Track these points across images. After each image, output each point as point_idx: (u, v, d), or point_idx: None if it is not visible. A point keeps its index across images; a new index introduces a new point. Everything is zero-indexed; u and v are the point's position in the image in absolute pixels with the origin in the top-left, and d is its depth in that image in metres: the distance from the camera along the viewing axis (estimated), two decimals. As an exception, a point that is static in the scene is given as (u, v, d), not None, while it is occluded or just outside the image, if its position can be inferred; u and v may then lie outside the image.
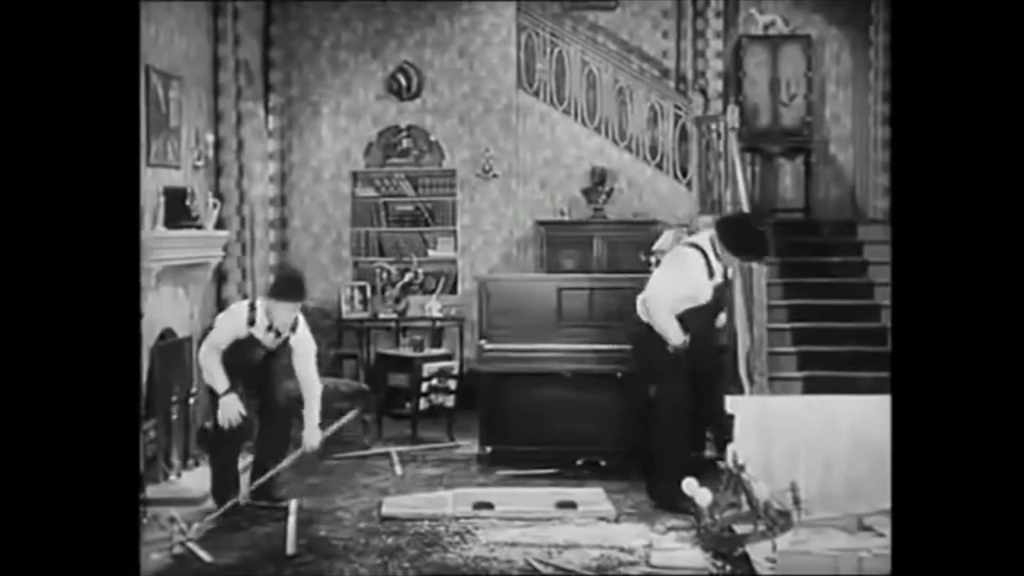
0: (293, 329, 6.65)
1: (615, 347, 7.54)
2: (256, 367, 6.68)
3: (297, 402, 6.80)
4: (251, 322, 6.59)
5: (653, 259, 8.97)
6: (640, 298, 6.70)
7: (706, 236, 6.72)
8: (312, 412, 6.72)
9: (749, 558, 5.57)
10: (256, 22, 10.07)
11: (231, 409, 6.49)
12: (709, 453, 7.57)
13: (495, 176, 10.47)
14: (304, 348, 6.71)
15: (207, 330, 6.83)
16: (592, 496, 6.87)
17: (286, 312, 6.55)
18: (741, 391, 7.28)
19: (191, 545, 5.80)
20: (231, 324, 6.63)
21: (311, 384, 6.72)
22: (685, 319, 6.55)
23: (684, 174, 10.54)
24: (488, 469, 7.69)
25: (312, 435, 6.67)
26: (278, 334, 6.63)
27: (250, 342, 6.62)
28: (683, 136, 10.59)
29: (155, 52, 7.58)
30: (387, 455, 8.21)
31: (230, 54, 9.03)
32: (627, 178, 10.61)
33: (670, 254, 7.00)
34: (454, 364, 9.16)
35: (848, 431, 6.12)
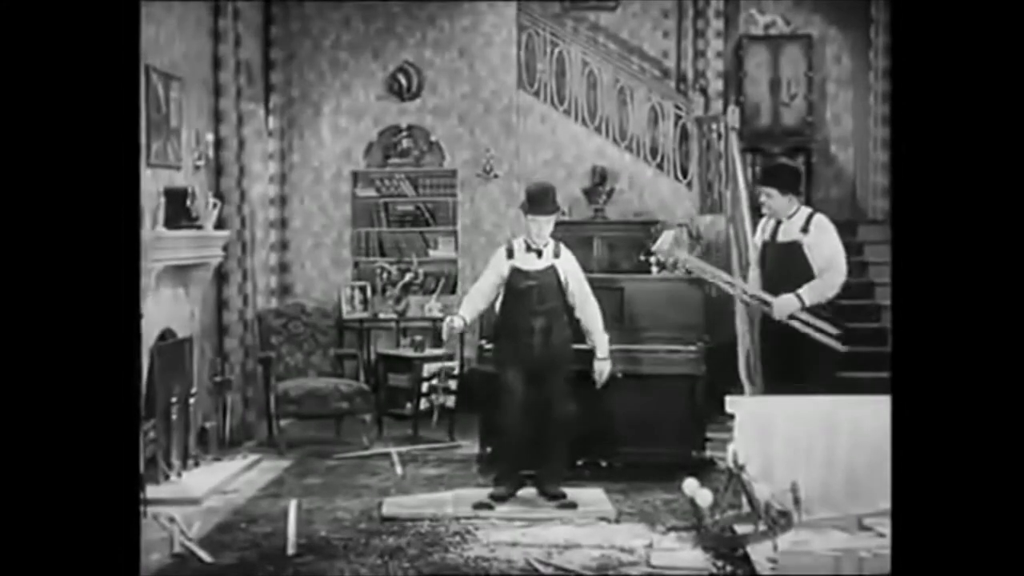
0: (556, 255, 6.78)
1: (615, 347, 7.52)
2: (525, 294, 6.73)
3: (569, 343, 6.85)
4: (510, 254, 6.78)
5: (653, 259, 8.97)
6: None
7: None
8: (601, 341, 6.86)
9: (750, 558, 5.57)
10: (256, 22, 10.06)
11: (452, 325, 6.76)
12: (709, 453, 7.59)
13: (496, 176, 10.46)
14: (572, 267, 6.83)
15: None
16: (592, 496, 6.87)
17: (542, 226, 6.71)
18: (741, 391, 7.27)
19: (191, 545, 5.80)
20: (493, 265, 6.83)
21: (589, 301, 6.84)
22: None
23: (685, 174, 10.54)
24: (488, 469, 7.68)
25: (602, 366, 6.85)
26: (539, 254, 6.75)
27: (515, 276, 6.74)
28: (684, 136, 10.59)
29: (155, 52, 7.57)
30: (387, 455, 8.22)
31: (230, 54, 9.01)
32: (628, 178, 10.60)
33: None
34: (454, 364, 9.16)
35: (848, 431, 6.11)
